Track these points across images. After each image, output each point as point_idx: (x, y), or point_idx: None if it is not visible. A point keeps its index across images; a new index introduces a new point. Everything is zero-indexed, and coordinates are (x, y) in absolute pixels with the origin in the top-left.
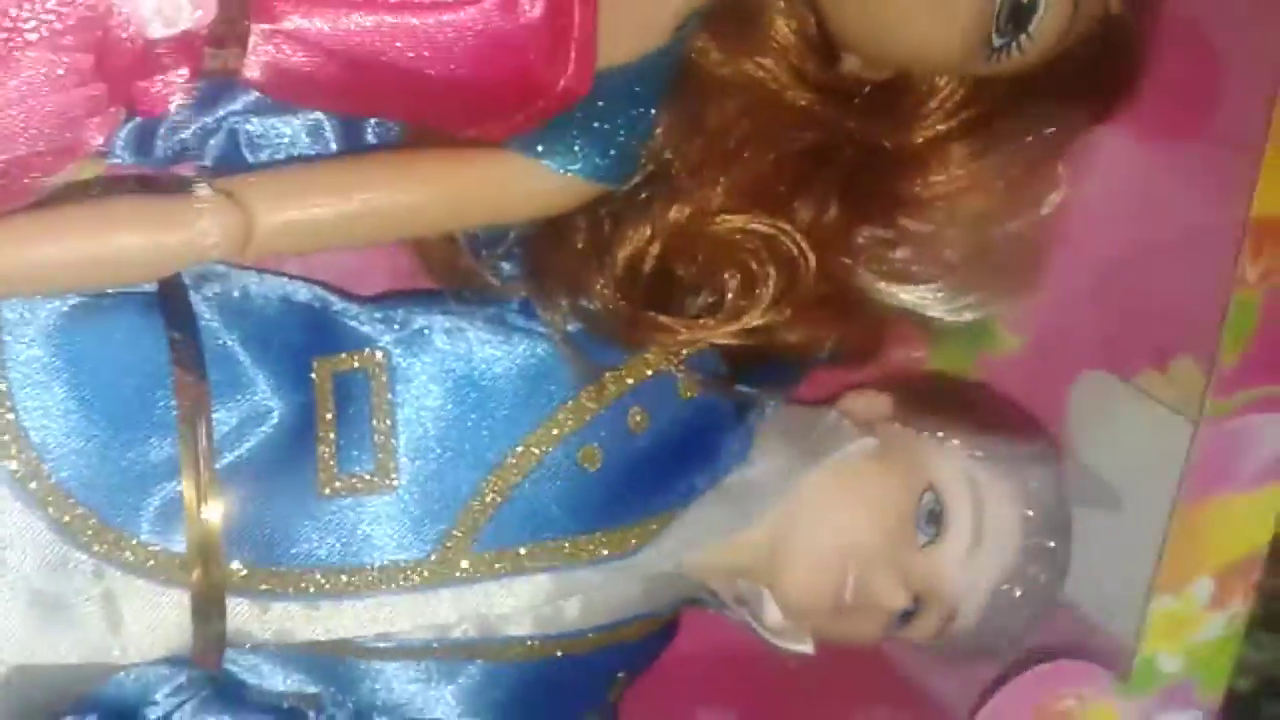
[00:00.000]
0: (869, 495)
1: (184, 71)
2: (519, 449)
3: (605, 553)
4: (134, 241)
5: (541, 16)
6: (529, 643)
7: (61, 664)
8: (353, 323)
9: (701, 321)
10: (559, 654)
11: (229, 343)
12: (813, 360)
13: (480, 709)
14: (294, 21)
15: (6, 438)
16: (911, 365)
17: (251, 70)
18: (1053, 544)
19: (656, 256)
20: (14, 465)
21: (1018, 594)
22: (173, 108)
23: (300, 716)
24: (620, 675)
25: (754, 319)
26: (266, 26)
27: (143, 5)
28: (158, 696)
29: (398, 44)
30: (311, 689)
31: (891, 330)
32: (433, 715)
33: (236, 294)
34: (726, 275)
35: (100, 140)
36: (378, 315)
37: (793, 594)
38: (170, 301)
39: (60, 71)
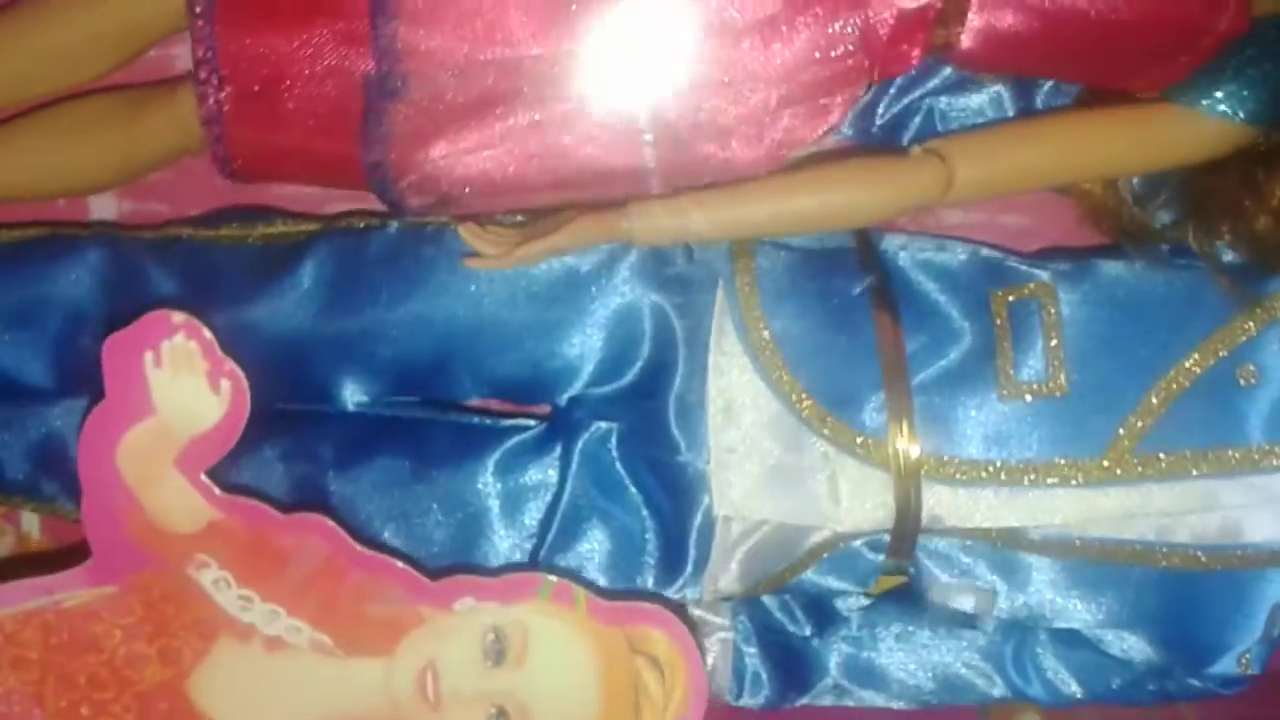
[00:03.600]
0: None
1: (918, 40)
2: (1180, 364)
3: (1270, 462)
4: (868, 193)
5: None
6: (1191, 552)
7: (790, 524)
8: (1023, 266)
9: None
10: (1216, 567)
11: (924, 285)
12: None
13: (1133, 616)
14: None
15: (766, 343)
16: None
17: (967, 40)
18: None
19: None
20: (766, 363)
21: None
22: (915, 94)
23: (968, 622)
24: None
25: None
26: None
27: None
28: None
29: None
30: (985, 584)
31: None
32: (1080, 618)
33: (930, 251)
34: None
35: (844, 112)
36: (1044, 260)
37: None
38: (863, 252)
39: (823, 43)
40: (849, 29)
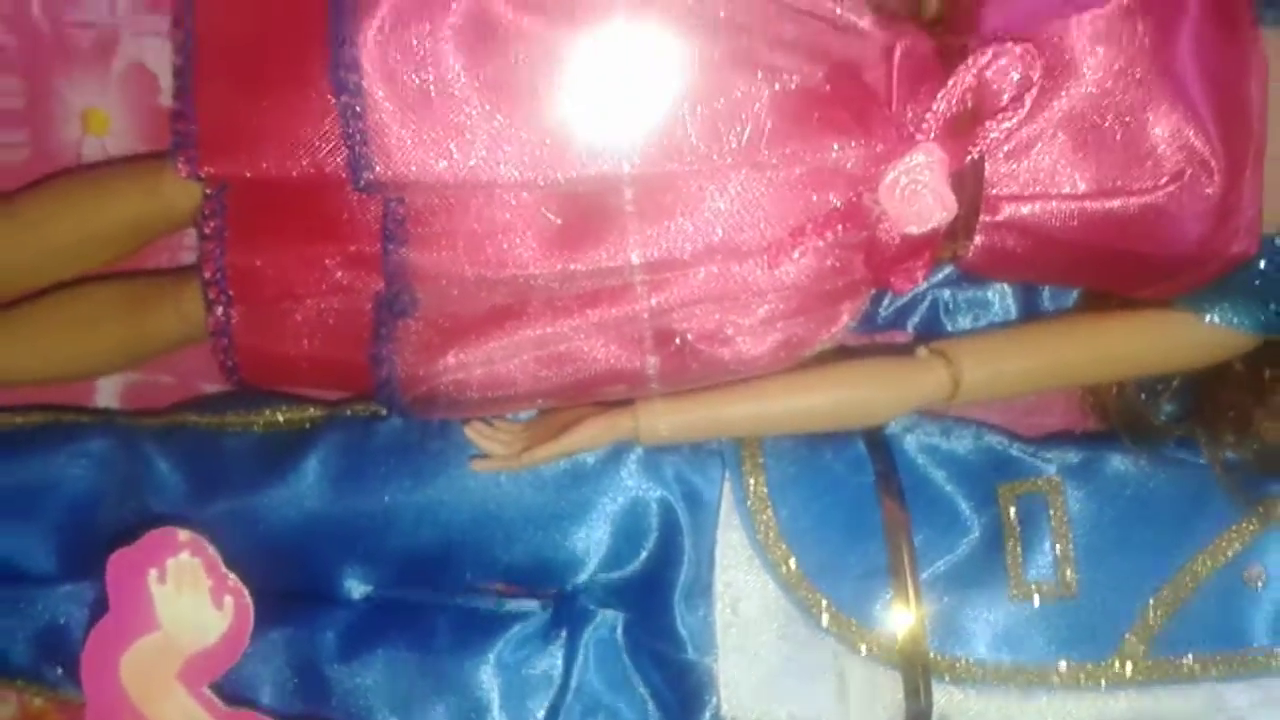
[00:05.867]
0: None
1: (925, 259)
2: (1188, 566)
3: (1278, 664)
4: (876, 394)
5: (1219, 192)
6: None
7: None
8: (1031, 458)
9: None
10: None
11: (931, 473)
12: None
13: None
14: (1011, 211)
15: (773, 537)
16: None
17: (972, 256)
18: None
19: None
20: (772, 555)
21: None
22: (920, 287)
23: None
24: None
25: None
26: (988, 219)
27: (903, 212)
28: None
29: (1094, 224)
30: None
31: None
32: None
33: (936, 437)
34: None
35: (850, 319)
36: (1052, 451)
37: None
38: (869, 436)
39: (829, 263)
40: (856, 252)
